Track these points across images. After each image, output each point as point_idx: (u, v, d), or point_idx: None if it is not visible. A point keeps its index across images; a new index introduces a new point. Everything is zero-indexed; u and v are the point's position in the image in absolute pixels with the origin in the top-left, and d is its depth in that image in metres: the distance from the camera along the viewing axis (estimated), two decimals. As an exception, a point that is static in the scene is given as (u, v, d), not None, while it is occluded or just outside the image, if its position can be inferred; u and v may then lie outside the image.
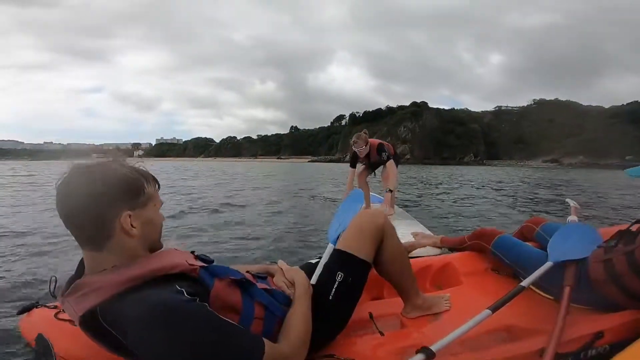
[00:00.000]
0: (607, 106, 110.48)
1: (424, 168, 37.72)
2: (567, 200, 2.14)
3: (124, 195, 0.70)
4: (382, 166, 3.75)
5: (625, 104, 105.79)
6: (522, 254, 1.44)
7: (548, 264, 1.26)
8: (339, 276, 1.03)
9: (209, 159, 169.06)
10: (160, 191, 0.77)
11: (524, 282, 1.18)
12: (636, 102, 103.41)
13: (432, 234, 2.55)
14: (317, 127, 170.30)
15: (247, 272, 0.95)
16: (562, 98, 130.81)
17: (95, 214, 0.67)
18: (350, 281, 1.04)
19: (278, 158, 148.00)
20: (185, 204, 5.96)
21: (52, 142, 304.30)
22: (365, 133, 3.68)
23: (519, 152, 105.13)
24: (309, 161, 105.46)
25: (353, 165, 3.85)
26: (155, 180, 0.79)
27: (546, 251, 1.40)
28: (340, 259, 1.07)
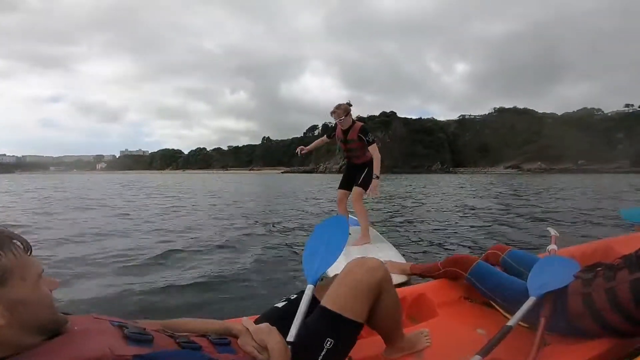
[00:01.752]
0: (560, 113, 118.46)
1: (394, 177, 38.52)
2: (548, 228, 2.16)
3: None
4: (357, 179, 3.45)
5: (575, 110, 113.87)
6: (500, 284, 1.45)
7: (531, 300, 1.24)
8: (329, 343, 0.89)
9: (177, 171, 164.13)
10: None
11: (511, 322, 1.15)
12: (585, 108, 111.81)
13: (403, 261, 2.59)
14: (290, 137, 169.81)
15: (204, 335, 0.78)
16: (520, 106, 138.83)
17: None
18: (340, 347, 0.91)
19: (250, 169, 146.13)
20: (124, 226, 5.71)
21: (5, 155, 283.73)
22: (349, 104, 3.34)
23: (482, 160, 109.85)
24: (282, 172, 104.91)
25: (329, 137, 3.61)
26: (22, 244, 0.60)
27: (516, 277, 1.44)
28: (330, 321, 0.92)
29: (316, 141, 3.90)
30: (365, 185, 3.36)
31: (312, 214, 7.43)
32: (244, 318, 0.88)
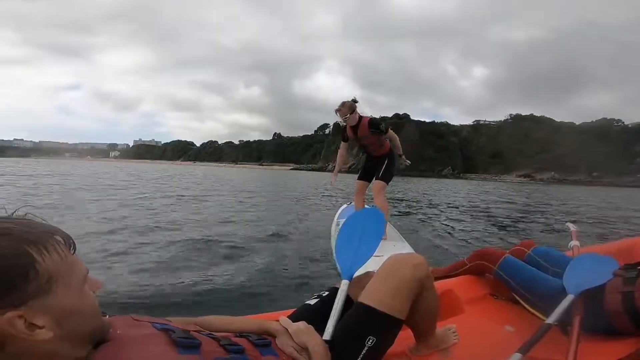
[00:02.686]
0: (578, 122, 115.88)
1: (405, 180, 38.29)
2: (568, 224, 2.11)
3: None
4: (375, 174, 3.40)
5: (594, 120, 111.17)
6: (532, 279, 1.44)
7: (569, 297, 1.22)
8: (370, 341, 0.86)
9: (189, 162, 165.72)
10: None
11: (550, 320, 1.14)
12: (604, 119, 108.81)
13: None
14: (301, 135, 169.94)
15: (242, 335, 0.75)
16: (537, 113, 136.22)
17: None
18: (381, 345, 0.89)
19: (260, 165, 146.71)
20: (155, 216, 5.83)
21: (22, 139, 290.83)
22: (354, 101, 3.22)
23: (494, 166, 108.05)
24: (291, 169, 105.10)
25: (344, 139, 3.50)
26: (64, 241, 0.52)
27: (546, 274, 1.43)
28: (372, 319, 0.89)
29: (339, 153, 3.69)
30: (386, 179, 3.36)
31: (327, 207, 7.48)
32: (282, 317, 0.85)
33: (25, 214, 0.51)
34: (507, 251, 1.73)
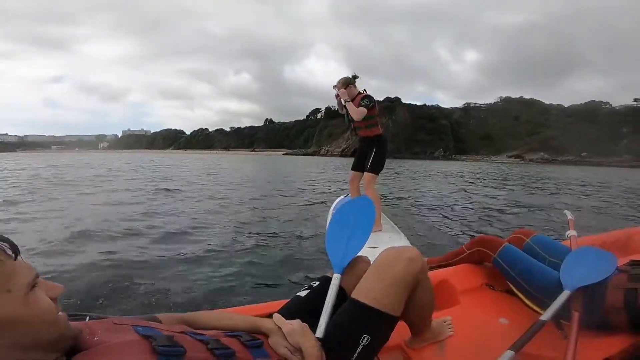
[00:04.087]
0: (567, 105, 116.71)
1: (397, 162, 38.42)
2: (565, 212, 2.06)
3: None
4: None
5: (583, 103, 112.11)
6: (530, 270, 1.41)
7: (565, 294, 1.20)
8: (365, 340, 0.83)
9: (179, 151, 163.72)
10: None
11: (544, 316, 1.11)
12: (592, 101, 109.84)
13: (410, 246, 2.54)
14: (293, 120, 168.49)
15: (233, 335, 0.72)
16: (527, 96, 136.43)
17: None
18: (376, 343, 0.86)
19: (252, 151, 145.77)
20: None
21: (7, 134, 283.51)
22: (354, 77, 3.15)
23: (485, 148, 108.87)
24: (283, 154, 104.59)
25: (343, 115, 3.32)
26: (5, 248, 0.47)
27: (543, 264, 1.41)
28: (366, 316, 0.86)
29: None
30: (376, 169, 3.26)
31: (322, 193, 7.43)
32: (276, 315, 0.81)
33: None
34: (506, 239, 1.69)
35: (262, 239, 3.65)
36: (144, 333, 0.57)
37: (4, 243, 0.47)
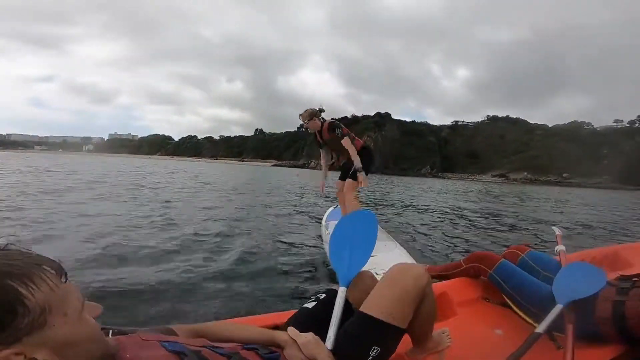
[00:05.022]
0: (551, 125, 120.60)
1: (385, 178, 38.79)
2: (553, 227, 2.16)
3: None
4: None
5: (566, 123, 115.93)
6: (524, 284, 1.47)
7: (558, 308, 1.24)
8: (375, 351, 0.87)
9: (166, 157, 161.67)
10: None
11: (540, 329, 1.15)
12: (575, 121, 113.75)
13: (412, 259, 2.62)
14: (284, 131, 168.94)
15: (252, 349, 0.74)
16: (513, 115, 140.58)
17: None
18: (385, 355, 0.90)
19: (240, 160, 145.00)
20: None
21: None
22: (320, 110, 3.31)
23: (471, 166, 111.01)
24: (272, 165, 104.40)
25: (319, 146, 3.56)
26: (53, 269, 0.48)
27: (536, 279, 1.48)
28: (376, 329, 0.89)
29: (322, 161, 3.75)
30: (356, 178, 3.31)
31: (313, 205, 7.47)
32: (290, 328, 0.84)
33: (6, 245, 0.48)
34: (502, 254, 1.76)
35: (260, 250, 3.64)
36: (171, 349, 0.60)
37: (50, 266, 0.48)
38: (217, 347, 0.67)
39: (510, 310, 1.53)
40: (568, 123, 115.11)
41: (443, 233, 5.28)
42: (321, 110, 3.30)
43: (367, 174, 3.30)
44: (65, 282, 0.49)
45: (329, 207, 4.82)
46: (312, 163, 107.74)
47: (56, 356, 0.46)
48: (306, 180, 19.54)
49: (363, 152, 3.32)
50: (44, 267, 0.47)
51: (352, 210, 3.29)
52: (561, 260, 1.66)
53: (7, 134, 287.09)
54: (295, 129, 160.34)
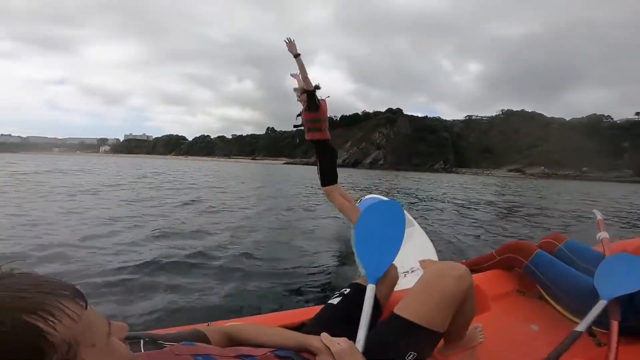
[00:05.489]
0: (568, 118, 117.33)
1: (401, 174, 38.34)
2: (594, 211, 1.95)
3: None
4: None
5: (584, 116, 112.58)
6: (563, 276, 1.39)
7: (602, 303, 1.17)
8: (411, 356, 0.83)
9: (180, 157, 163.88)
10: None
11: (580, 327, 1.08)
12: (594, 115, 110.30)
13: (435, 257, 2.50)
14: (295, 129, 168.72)
15: (283, 356, 0.71)
16: (529, 109, 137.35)
17: None
18: (421, 358, 0.86)
19: (253, 159, 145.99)
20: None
21: (10, 135, 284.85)
22: (316, 87, 3.08)
23: (485, 161, 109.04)
24: (284, 163, 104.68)
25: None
26: (74, 297, 0.42)
27: (575, 270, 1.40)
28: (413, 334, 0.86)
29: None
30: (328, 181, 3.06)
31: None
32: (324, 334, 0.79)
33: (11, 270, 0.41)
34: (537, 244, 1.66)
35: (280, 246, 3.63)
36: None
37: (70, 294, 0.42)
38: (249, 356, 0.66)
39: (547, 304, 1.46)
40: (586, 116, 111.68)
41: (468, 224, 5.16)
42: (317, 87, 3.09)
43: (330, 171, 3.05)
44: (86, 308, 0.43)
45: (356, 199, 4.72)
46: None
47: None
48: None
49: (324, 145, 3.10)
50: (60, 294, 0.41)
51: (348, 211, 3.08)
52: (605, 250, 1.57)
53: (26, 137, 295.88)
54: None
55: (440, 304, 0.88)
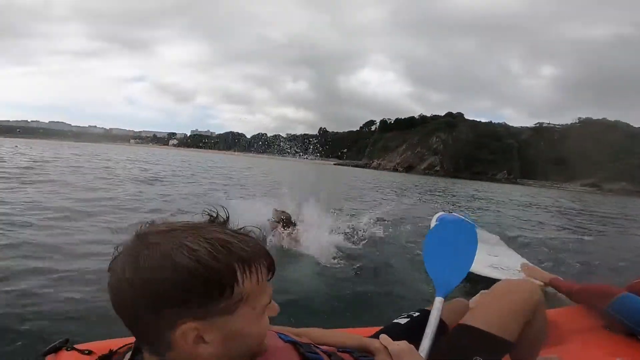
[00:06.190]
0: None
1: (459, 182, 36.25)
2: None
3: (186, 299, 0.44)
4: None
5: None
6: None
7: None
8: None
9: (239, 153, 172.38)
10: None
11: None
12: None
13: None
14: (346, 130, 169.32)
15: (345, 351, 0.73)
16: (611, 118, 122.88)
17: (143, 317, 0.45)
18: None
19: (305, 158, 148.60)
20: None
21: (95, 126, 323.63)
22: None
23: (556, 173, 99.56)
24: (334, 164, 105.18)
25: None
26: (269, 267, 0.51)
27: None
28: (480, 340, 0.85)
29: None
30: None
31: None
32: (383, 335, 0.80)
33: (244, 227, 0.51)
34: (625, 286, 1.59)
35: (351, 261, 3.36)
36: (287, 339, 0.62)
37: (266, 262, 0.50)
38: (317, 346, 0.69)
39: (636, 341, 1.35)
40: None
41: (548, 247, 4.75)
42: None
43: None
44: (269, 280, 0.50)
45: (438, 211, 4.59)
46: (374, 163, 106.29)
47: (221, 343, 0.46)
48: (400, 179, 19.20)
49: None
50: (262, 260, 0.49)
51: None
52: None
53: (109, 128, 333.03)
54: (358, 128, 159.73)
55: (508, 313, 0.88)
